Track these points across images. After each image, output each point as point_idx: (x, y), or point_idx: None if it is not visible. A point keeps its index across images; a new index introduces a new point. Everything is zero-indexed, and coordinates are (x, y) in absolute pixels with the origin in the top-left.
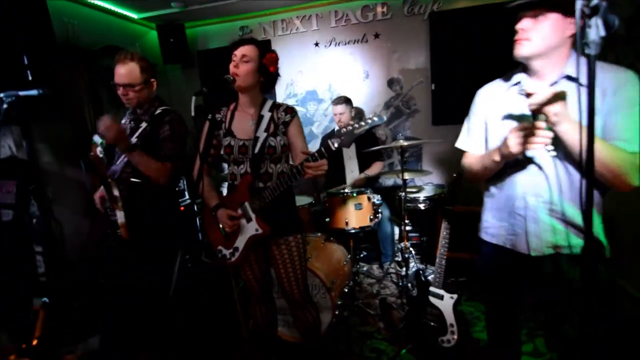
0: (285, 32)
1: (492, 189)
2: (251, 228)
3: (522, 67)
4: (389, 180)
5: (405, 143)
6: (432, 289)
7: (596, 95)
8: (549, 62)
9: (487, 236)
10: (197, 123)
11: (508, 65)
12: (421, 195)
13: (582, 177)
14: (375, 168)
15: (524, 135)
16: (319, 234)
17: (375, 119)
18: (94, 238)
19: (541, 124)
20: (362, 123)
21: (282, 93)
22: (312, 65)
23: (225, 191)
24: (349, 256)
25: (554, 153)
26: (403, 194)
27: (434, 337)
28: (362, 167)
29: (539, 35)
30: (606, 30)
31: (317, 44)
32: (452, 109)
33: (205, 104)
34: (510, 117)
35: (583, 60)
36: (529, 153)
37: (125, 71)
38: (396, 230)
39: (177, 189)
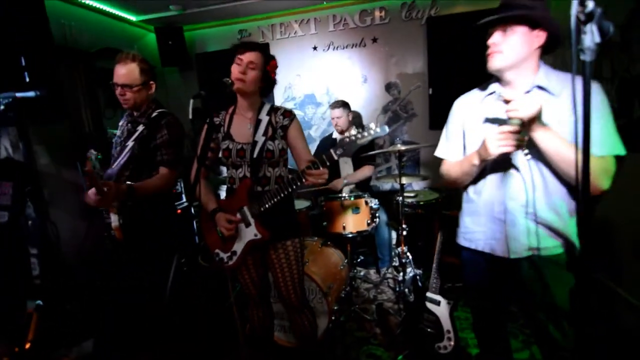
0: (283, 35)
1: (471, 195)
2: (250, 233)
3: (496, 78)
4: (386, 185)
5: (403, 147)
6: (428, 294)
7: (566, 102)
8: (520, 73)
9: (465, 242)
10: (194, 126)
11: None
12: (419, 200)
13: (559, 181)
14: (361, 172)
15: (501, 138)
16: (316, 238)
17: (378, 130)
18: (90, 241)
19: (517, 127)
20: (365, 134)
21: (280, 96)
22: (311, 69)
23: (223, 194)
24: (345, 261)
25: (529, 156)
26: (400, 198)
27: (431, 343)
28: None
29: (509, 48)
30: (601, 36)
31: (315, 48)
32: (449, 113)
33: (203, 107)
34: (487, 122)
35: (551, 71)
36: (505, 158)
37: (125, 71)
38: (393, 234)
39: (174, 191)
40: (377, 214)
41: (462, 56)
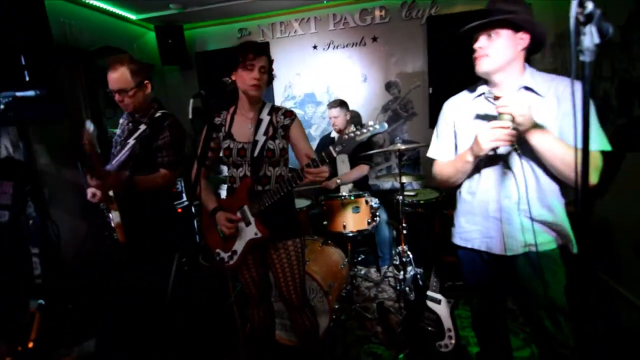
0: (283, 34)
1: (465, 195)
2: (250, 232)
3: (484, 80)
4: (386, 184)
5: (403, 147)
6: (429, 293)
7: (552, 102)
8: (507, 74)
9: (461, 241)
10: (194, 125)
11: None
12: (419, 199)
13: (551, 178)
14: (356, 172)
15: (493, 133)
16: (317, 237)
17: (377, 126)
18: (90, 240)
19: (507, 122)
20: (364, 130)
21: (281, 95)
22: (311, 68)
23: (223, 193)
24: (346, 259)
25: (522, 156)
26: (401, 197)
27: (432, 341)
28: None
29: (495, 52)
30: (600, 37)
31: (315, 47)
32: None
33: (203, 107)
34: (478, 119)
35: (536, 73)
36: (498, 154)
37: (117, 76)
38: (394, 233)
39: (174, 190)
40: (377, 213)
41: (462, 55)
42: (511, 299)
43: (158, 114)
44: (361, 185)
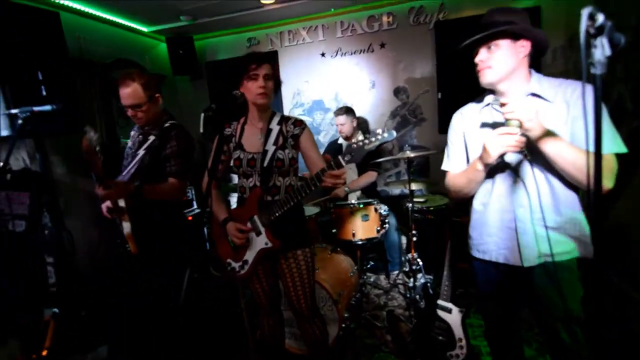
0: (292, 42)
1: (479, 206)
2: (261, 242)
3: (491, 90)
4: (396, 190)
5: (412, 154)
6: (440, 302)
7: (561, 107)
8: (512, 83)
9: (478, 253)
10: (205, 138)
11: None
12: (429, 206)
13: (566, 185)
14: (364, 179)
15: (500, 140)
16: (326, 245)
17: (386, 135)
18: (103, 248)
19: (515, 128)
20: (373, 139)
21: (289, 103)
22: (319, 75)
23: (233, 200)
24: (355, 267)
25: (529, 158)
26: (410, 205)
27: (442, 351)
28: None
29: (496, 63)
30: (612, 49)
31: (323, 54)
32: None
33: (214, 119)
34: (486, 127)
35: (543, 78)
36: (508, 163)
37: (129, 92)
38: (403, 239)
39: (184, 199)
40: (386, 220)
41: (471, 60)
42: (527, 309)
43: (167, 125)
44: (370, 192)
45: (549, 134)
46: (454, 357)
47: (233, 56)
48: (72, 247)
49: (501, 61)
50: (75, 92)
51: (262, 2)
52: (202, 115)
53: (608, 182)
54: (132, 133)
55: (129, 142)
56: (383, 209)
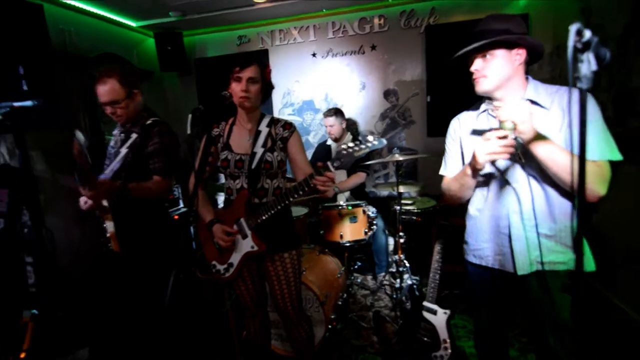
0: (282, 42)
1: (474, 212)
2: (247, 245)
3: (487, 98)
4: (384, 192)
5: (401, 158)
6: (425, 303)
7: (557, 114)
8: (508, 90)
9: (475, 259)
10: (193, 139)
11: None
12: (416, 208)
13: (560, 192)
14: (352, 180)
15: (488, 145)
16: (314, 246)
17: (376, 142)
18: (86, 247)
19: (509, 131)
20: (363, 146)
21: (279, 103)
22: (309, 76)
23: (220, 199)
24: (343, 268)
25: (524, 162)
26: (398, 207)
27: (427, 352)
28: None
29: (492, 72)
30: (598, 64)
31: (314, 55)
32: (447, 120)
33: (202, 120)
34: (480, 135)
35: (540, 85)
36: (503, 169)
37: (107, 88)
38: (390, 241)
39: (170, 197)
40: (374, 222)
41: (461, 66)
42: (519, 317)
43: (149, 122)
44: (358, 193)
45: (542, 138)
46: (438, 358)
47: (223, 54)
48: (53, 246)
49: (497, 70)
50: (58, 86)
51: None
52: (190, 116)
53: (601, 189)
54: (115, 132)
55: (111, 142)
56: (371, 210)
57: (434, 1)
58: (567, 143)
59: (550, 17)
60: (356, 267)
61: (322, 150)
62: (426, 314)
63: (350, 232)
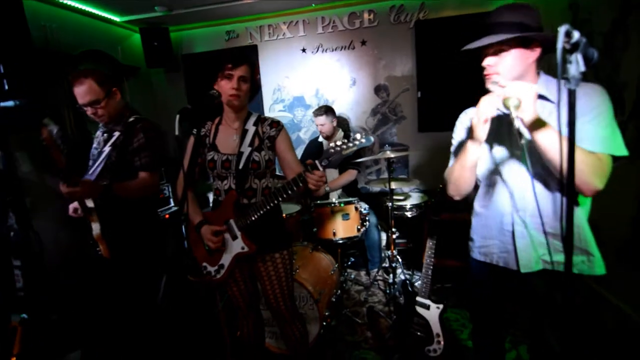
0: (272, 37)
1: (479, 209)
2: (237, 246)
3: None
4: (376, 187)
5: (392, 155)
6: (418, 298)
7: (566, 109)
8: None
9: (480, 256)
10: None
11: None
12: (408, 203)
13: (558, 190)
14: (344, 178)
15: (482, 104)
16: (307, 243)
17: (364, 140)
18: (75, 249)
19: (512, 109)
20: (350, 145)
21: (269, 99)
22: (300, 71)
23: (212, 198)
24: (336, 265)
25: (526, 139)
26: (390, 204)
27: (421, 346)
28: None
29: (505, 69)
30: (586, 64)
31: (304, 50)
32: (437, 116)
33: (190, 119)
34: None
35: (551, 79)
36: (510, 170)
37: (85, 89)
38: (383, 236)
39: (161, 196)
40: (367, 218)
41: (450, 60)
42: (517, 313)
43: (131, 119)
44: (350, 190)
45: (542, 123)
46: (431, 351)
47: (211, 49)
48: (41, 249)
49: (510, 67)
50: (41, 85)
51: None
52: (178, 116)
53: (598, 183)
54: (97, 133)
55: (94, 143)
56: (363, 207)
57: None
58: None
59: (540, 10)
60: (349, 263)
61: (314, 147)
62: (419, 309)
63: (342, 229)
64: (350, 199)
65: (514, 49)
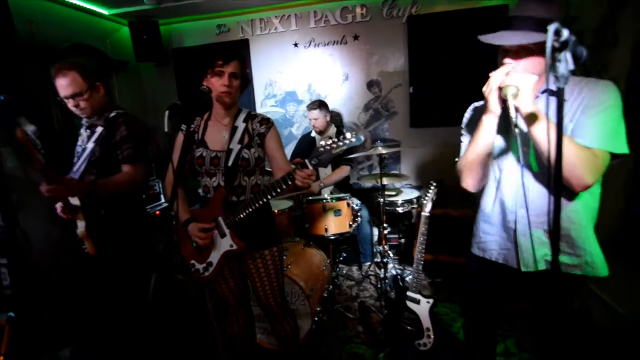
0: (264, 31)
1: (484, 205)
2: (226, 244)
3: None
4: (368, 183)
5: (384, 151)
6: (409, 293)
7: (576, 107)
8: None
9: (479, 251)
10: (170, 138)
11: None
12: (400, 199)
13: (567, 193)
14: (337, 174)
15: (494, 76)
16: (299, 239)
17: (354, 140)
18: (64, 246)
19: (510, 97)
20: (341, 144)
21: (261, 94)
22: (292, 66)
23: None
24: (328, 261)
25: (521, 130)
26: (382, 200)
27: (411, 341)
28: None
29: (525, 68)
30: (575, 62)
31: (296, 45)
32: (429, 112)
33: (180, 115)
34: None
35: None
36: (513, 167)
37: (68, 81)
38: (375, 231)
39: (151, 192)
40: (359, 214)
41: (442, 56)
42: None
43: (113, 114)
44: (343, 186)
45: (539, 116)
46: (422, 346)
47: (202, 44)
48: (28, 246)
49: (530, 67)
50: (27, 80)
51: None
52: (167, 112)
53: (590, 178)
54: (81, 131)
55: (79, 141)
56: (356, 203)
57: None
58: (570, 131)
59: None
60: (341, 258)
61: (306, 143)
62: (410, 304)
63: (335, 225)
64: (343, 195)
65: (534, 57)
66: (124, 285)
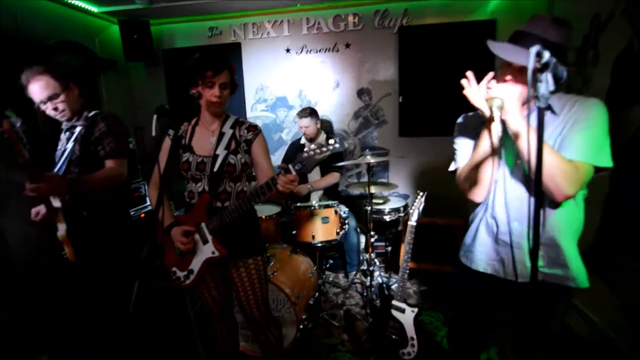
0: (256, 35)
1: (476, 215)
2: (207, 250)
3: None
4: (356, 190)
5: (373, 160)
6: (394, 302)
7: (565, 122)
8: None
9: (466, 260)
10: (158, 142)
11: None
12: (387, 207)
13: (554, 205)
14: (326, 180)
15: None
16: (286, 245)
17: (337, 145)
18: (43, 249)
19: (496, 109)
20: (324, 149)
21: (252, 98)
22: (283, 71)
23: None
24: (315, 268)
25: (505, 139)
26: (369, 207)
27: (396, 350)
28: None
29: (525, 83)
30: (555, 83)
31: (288, 50)
32: (418, 121)
33: (168, 117)
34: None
35: (561, 95)
36: (507, 180)
37: (41, 85)
38: (362, 239)
39: (136, 195)
40: (346, 222)
41: (432, 66)
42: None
43: (91, 114)
44: (331, 193)
45: (524, 127)
46: (406, 354)
47: (193, 45)
48: (6, 249)
49: (526, 85)
50: (11, 76)
51: None
52: (155, 116)
53: (569, 189)
54: (61, 135)
55: (59, 145)
56: (343, 210)
57: (406, 2)
58: (557, 144)
59: (517, 23)
60: (328, 265)
61: (295, 149)
62: (395, 313)
63: (322, 232)
64: (330, 202)
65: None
66: (104, 292)
